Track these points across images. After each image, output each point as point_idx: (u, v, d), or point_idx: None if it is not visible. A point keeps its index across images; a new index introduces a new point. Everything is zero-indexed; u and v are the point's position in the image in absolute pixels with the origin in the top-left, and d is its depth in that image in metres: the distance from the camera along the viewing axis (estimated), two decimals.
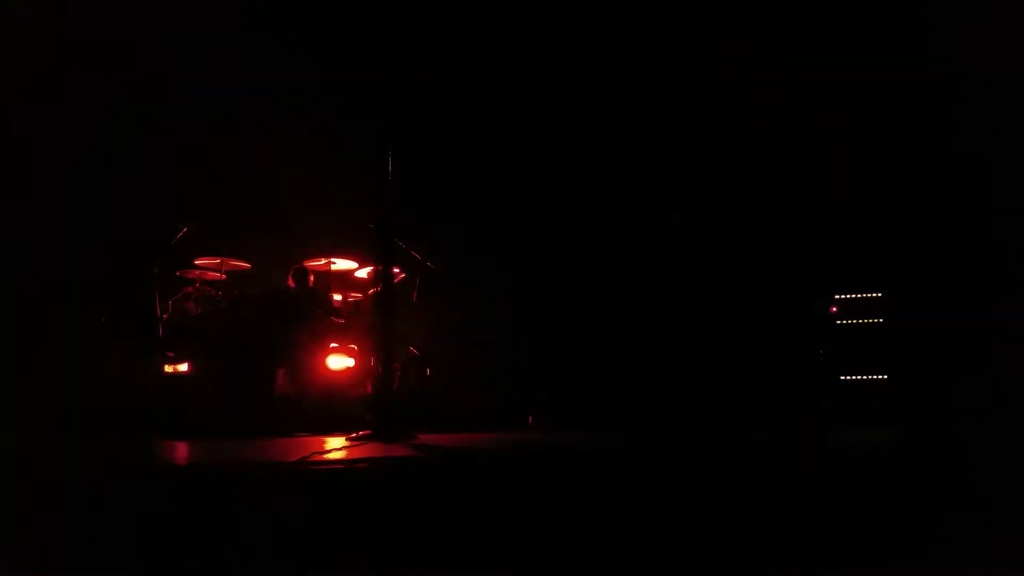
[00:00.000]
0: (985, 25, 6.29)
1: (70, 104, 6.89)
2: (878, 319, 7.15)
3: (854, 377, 7.09)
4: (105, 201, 6.93)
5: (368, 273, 6.40)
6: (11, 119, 6.89)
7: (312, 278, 6.31)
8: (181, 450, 3.43)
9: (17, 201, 6.93)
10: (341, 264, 6.38)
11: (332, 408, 5.55)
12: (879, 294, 7.19)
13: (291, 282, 6.26)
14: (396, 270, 5.61)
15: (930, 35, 6.68)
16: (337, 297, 6.37)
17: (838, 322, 7.21)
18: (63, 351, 6.68)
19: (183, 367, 5.93)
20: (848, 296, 7.24)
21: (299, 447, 3.49)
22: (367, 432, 3.86)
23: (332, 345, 6.00)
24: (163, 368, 5.98)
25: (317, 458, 2.58)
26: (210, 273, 6.35)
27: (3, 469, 2.28)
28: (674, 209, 7.47)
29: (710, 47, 7.14)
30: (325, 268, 6.36)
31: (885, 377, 7.01)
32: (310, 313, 6.04)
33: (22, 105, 6.90)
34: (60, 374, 6.59)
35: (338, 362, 5.97)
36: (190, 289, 6.27)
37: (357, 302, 6.43)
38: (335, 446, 3.39)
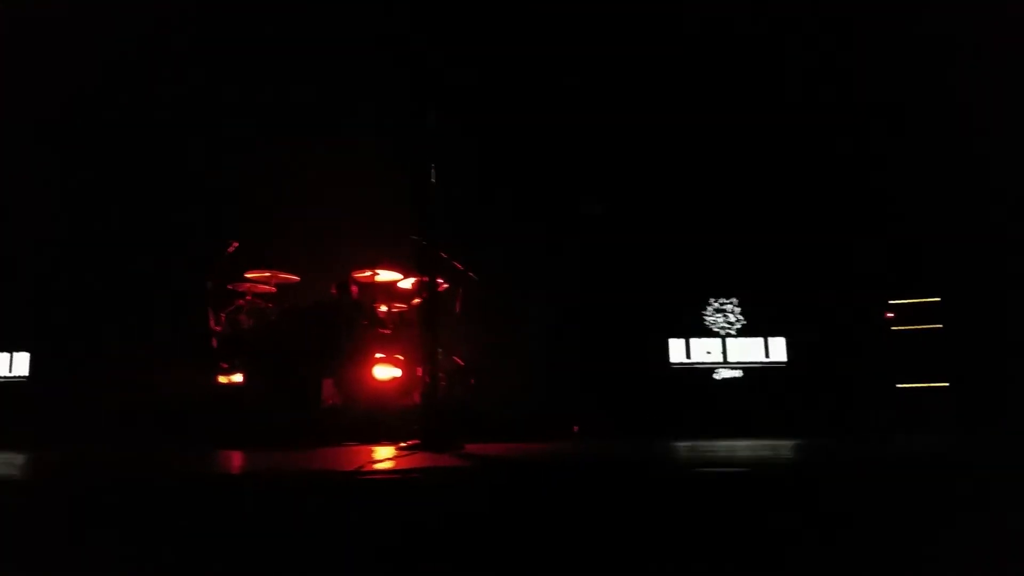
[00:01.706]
0: None
1: (129, 120, 7.15)
2: (936, 325, 6.95)
3: (912, 385, 6.90)
4: (158, 217, 7.17)
5: (412, 284, 6.45)
6: (71, 132, 7.19)
7: (356, 289, 6.39)
8: (236, 459, 3.50)
9: (77, 216, 7.23)
10: (385, 275, 6.46)
11: (379, 418, 5.61)
12: (937, 299, 6.99)
13: (335, 293, 6.35)
14: (440, 280, 5.66)
15: (994, 33, 6.51)
16: (382, 308, 6.44)
17: (894, 328, 7.02)
18: (121, 362, 6.92)
19: (236, 378, 6.07)
20: (905, 301, 7.05)
21: (349, 456, 3.53)
22: (415, 442, 3.89)
23: (378, 355, 6.07)
24: (217, 379, 6.12)
25: (369, 468, 2.61)
26: (261, 286, 6.48)
27: (60, 474, 2.36)
28: (722, 217, 7.42)
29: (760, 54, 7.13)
30: (370, 280, 6.44)
31: (946, 384, 6.80)
32: (356, 324, 6.12)
33: (83, 121, 7.19)
34: (117, 385, 6.82)
35: (384, 372, 6.03)
36: (242, 302, 6.41)
37: (402, 313, 6.49)
38: (385, 456, 3.42)
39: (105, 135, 7.25)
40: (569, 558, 1.84)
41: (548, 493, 2.01)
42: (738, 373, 7.67)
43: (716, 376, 7.64)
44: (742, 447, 3.73)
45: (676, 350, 7.80)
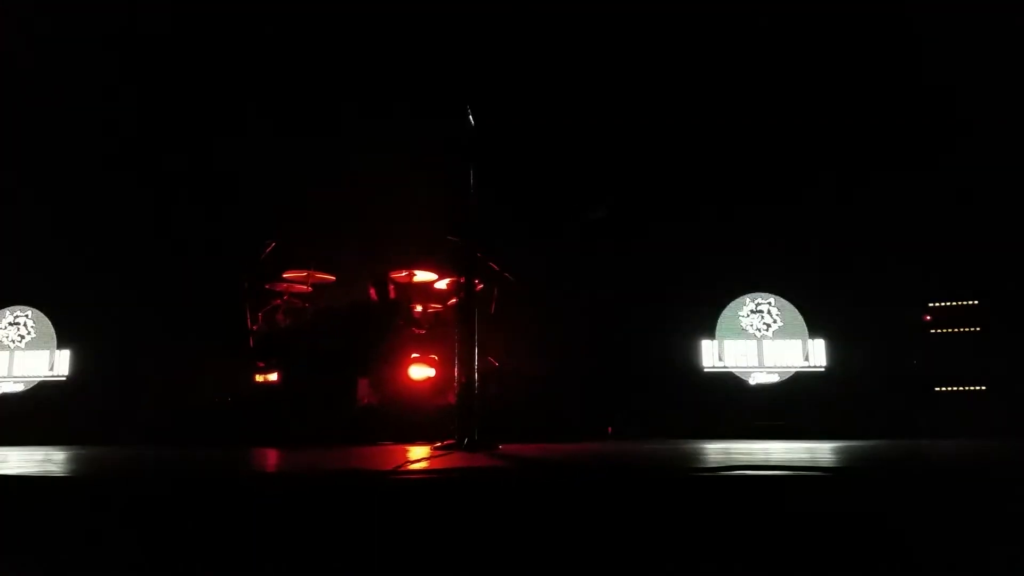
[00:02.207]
0: None
1: (169, 123, 7.30)
2: (975, 327, 6.82)
3: (951, 388, 6.79)
4: (197, 217, 7.31)
5: (448, 284, 6.49)
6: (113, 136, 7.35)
7: (392, 289, 6.45)
8: (272, 457, 3.56)
9: (115, 216, 7.37)
10: (422, 275, 6.50)
11: (414, 417, 5.66)
12: (975, 302, 6.85)
13: (372, 293, 6.41)
14: (476, 281, 5.69)
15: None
16: (418, 308, 6.49)
17: (932, 331, 6.91)
18: (159, 362, 7.07)
19: (273, 377, 6.16)
20: (943, 304, 6.93)
21: (384, 456, 3.57)
22: (451, 441, 3.92)
23: (413, 355, 6.12)
24: (254, 378, 6.22)
25: (405, 467, 2.64)
26: (297, 286, 6.57)
27: (102, 475, 2.42)
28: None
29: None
30: (407, 280, 6.50)
31: (983, 388, 6.67)
32: (392, 324, 6.18)
33: (122, 126, 7.35)
34: (155, 384, 6.97)
35: (419, 372, 6.08)
36: (278, 302, 6.50)
37: (437, 313, 6.53)
38: (421, 455, 3.45)
39: (144, 133, 7.41)
40: (603, 559, 1.85)
41: (582, 494, 2.02)
42: (775, 378, 7.57)
43: (751, 382, 7.56)
44: (777, 449, 3.71)
45: (708, 353, 7.67)
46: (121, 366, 7.15)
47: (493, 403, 5.76)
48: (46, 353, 7.29)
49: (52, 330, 7.34)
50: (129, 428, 6.07)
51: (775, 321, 7.66)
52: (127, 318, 7.19)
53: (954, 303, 6.93)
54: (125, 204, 7.35)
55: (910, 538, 1.86)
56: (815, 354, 7.58)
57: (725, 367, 7.58)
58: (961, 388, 6.77)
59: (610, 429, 6.31)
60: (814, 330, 7.57)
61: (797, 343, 7.58)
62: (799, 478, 2.07)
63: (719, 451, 3.59)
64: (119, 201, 7.36)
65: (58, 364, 7.28)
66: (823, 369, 7.43)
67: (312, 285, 6.62)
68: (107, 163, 7.35)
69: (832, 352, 7.42)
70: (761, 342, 7.57)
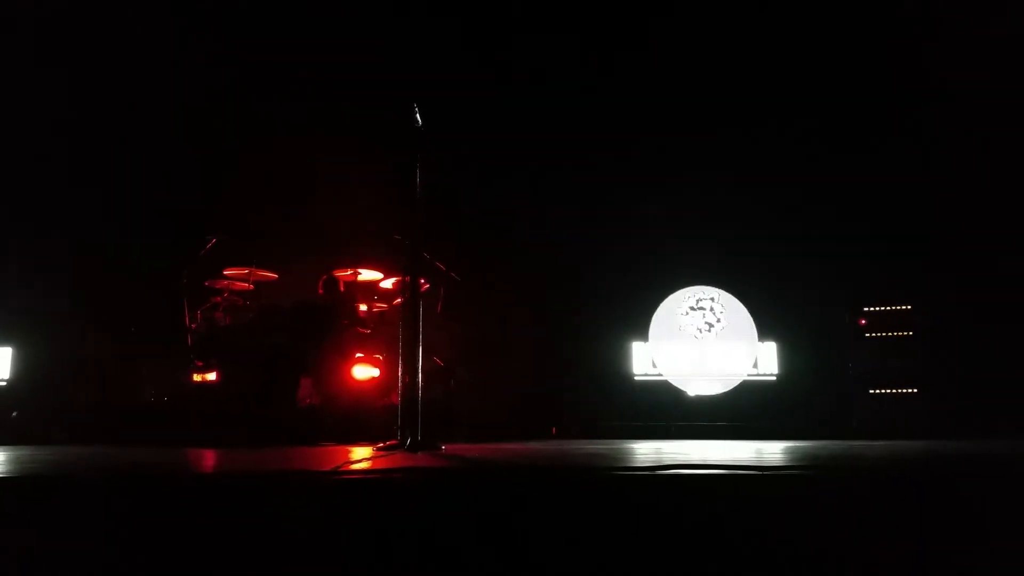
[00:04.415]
0: None
1: (103, 113, 7.04)
2: (907, 332, 7.02)
3: (883, 391, 6.96)
4: (135, 211, 7.07)
5: (393, 283, 6.43)
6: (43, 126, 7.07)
7: (342, 285, 6.35)
8: (209, 458, 3.46)
9: (51, 210, 7.10)
10: (367, 274, 6.42)
11: (357, 418, 5.57)
12: (908, 307, 7.07)
13: (321, 291, 6.30)
14: (421, 280, 5.65)
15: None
16: (363, 307, 6.40)
17: (867, 335, 7.08)
18: (93, 359, 6.81)
19: (211, 376, 6.00)
20: (877, 308, 7.11)
21: (325, 456, 3.51)
22: (394, 442, 3.87)
23: (358, 355, 6.03)
24: (191, 377, 6.04)
25: (346, 467, 2.59)
26: (238, 283, 6.41)
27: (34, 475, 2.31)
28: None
29: None
30: (352, 279, 6.40)
31: (915, 391, 6.88)
32: (336, 323, 6.08)
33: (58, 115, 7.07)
34: (90, 382, 6.71)
35: (363, 372, 5.99)
36: (218, 299, 6.33)
37: (382, 312, 6.45)
38: (363, 456, 3.40)
39: (81, 125, 7.13)
40: (548, 560, 1.84)
41: (528, 494, 2.01)
42: (717, 388, 6.98)
43: (690, 392, 7.03)
44: (713, 449, 3.77)
45: (640, 358, 6.97)
46: (55, 365, 6.87)
47: (438, 403, 5.73)
48: None
49: None
50: (63, 428, 5.83)
51: (718, 320, 7.19)
52: (61, 317, 6.93)
53: (888, 308, 7.13)
54: (60, 201, 7.08)
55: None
56: (766, 360, 7.03)
57: (660, 375, 7.10)
58: (894, 391, 6.96)
59: (554, 430, 6.33)
60: (764, 332, 7.15)
61: (744, 347, 7.02)
62: (725, 477, 2.10)
63: (651, 451, 3.66)
64: (54, 198, 7.08)
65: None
66: (774, 378, 7.06)
67: (254, 283, 6.47)
68: (41, 157, 7.06)
69: (784, 358, 7.08)
70: (702, 345, 7.00)
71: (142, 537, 1.87)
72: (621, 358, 7.14)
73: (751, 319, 7.23)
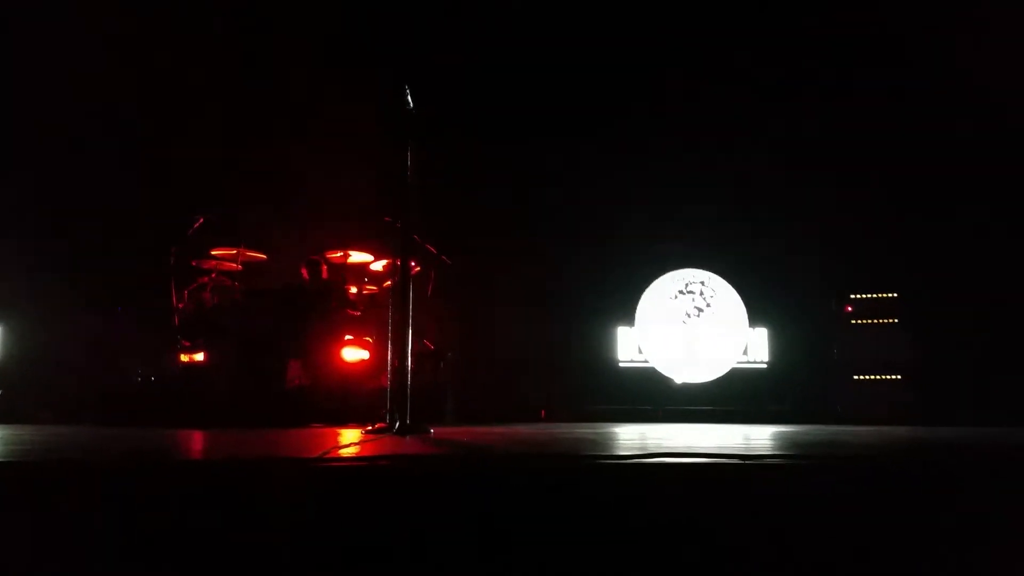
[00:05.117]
0: None
1: (93, 92, 6.94)
2: (893, 319, 7.10)
3: (868, 377, 7.05)
4: (123, 190, 7.01)
5: (383, 266, 6.42)
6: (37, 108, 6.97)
7: (325, 269, 6.33)
8: (193, 441, 3.46)
9: (38, 188, 7.02)
10: (357, 257, 6.40)
11: (346, 400, 5.59)
12: (894, 294, 7.14)
13: (304, 273, 6.29)
14: (412, 263, 5.64)
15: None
16: (352, 290, 6.39)
17: (853, 322, 7.15)
18: (82, 339, 6.77)
19: (199, 357, 5.98)
20: (863, 296, 7.18)
21: (314, 439, 3.51)
22: (382, 425, 3.88)
23: (347, 337, 6.03)
24: (179, 358, 6.02)
25: (334, 453, 2.60)
26: (226, 264, 6.38)
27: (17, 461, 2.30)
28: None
29: None
30: (342, 260, 6.39)
31: (899, 377, 6.97)
32: (325, 305, 6.07)
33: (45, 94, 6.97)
34: (76, 362, 6.68)
35: (353, 354, 6.00)
36: (206, 279, 6.30)
37: (372, 295, 6.45)
38: (351, 440, 3.41)
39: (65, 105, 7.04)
40: (540, 546, 1.85)
41: (517, 479, 2.02)
42: (706, 375, 6.86)
43: (677, 380, 6.92)
44: (698, 435, 3.81)
45: (626, 344, 6.82)
46: (40, 344, 6.83)
47: (427, 387, 5.75)
48: None
49: None
50: (48, 407, 5.81)
51: (708, 305, 7.09)
52: (48, 295, 6.87)
53: (874, 295, 7.19)
54: (46, 177, 6.99)
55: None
56: (756, 347, 6.90)
57: (646, 362, 6.98)
58: (878, 377, 7.05)
59: (543, 413, 6.37)
60: (756, 318, 7.04)
61: (734, 333, 6.87)
62: (706, 466, 2.12)
63: (636, 436, 3.70)
64: (40, 174, 6.99)
65: None
66: (765, 365, 6.98)
67: (242, 263, 6.44)
68: (25, 134, 6.97)
69: (775, 344, 6.99)
70: (690, 330, 6.87)
71: (106, 524, 1.84)
72: (606, 344, 7.09)
73: (742, 304, 7.19)
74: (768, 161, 7.03)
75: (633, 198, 7.21)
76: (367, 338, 6.07)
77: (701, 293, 7.12)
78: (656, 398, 6.93)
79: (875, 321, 7.15)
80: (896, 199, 7.03)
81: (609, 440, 3.37)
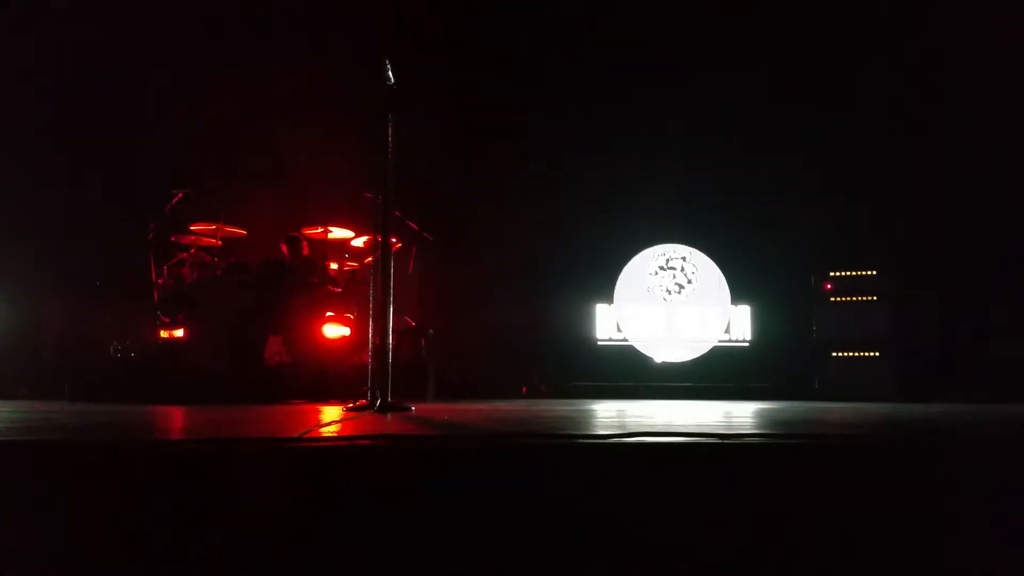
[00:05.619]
0: None
1: (65, 72, 6.80)
2: (872, 296, 7.16)
3: (846, 354, 7.11)
4: (101, 166, 6.89)
5: (364, 242, 6.37)
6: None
7: (306, 245, 6.28)
8: (171, 417, 3.43)
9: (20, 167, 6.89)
10: (338, 233, 6.35)
11: (327, 376, 5.57)
12: (873, 272, 7.19)
13: (284, 249, 6.23)
14: (393, 240, 5.60)
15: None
16: (333, 266, 6.35)
17: (832, 299, 7.21)
18: (60, 314, 6.69)
19: (178, 333, 5.93)
20: (843, 273, 7.23)
21: (294, 416, 3.50)
22: (363, 402, 3.88)
23: (328, 314, 6.00)
24: (158, 333, 5.97)
25: (315, 432, 2.59)
26: (206, 239, 6.30)
27: None
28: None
29: None
30: (322, 236, 6.33)
31: (877, 354, 7.05)
32: (305, 281, 6.03)
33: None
34: (54, 338, 6.61)
35: (334, 331, 5.97)
36: (185, 255, 6.23)
37: (353, 271, 6.41)
38: (332, 416, 3.40)
39: (47, 75, 6.88)
40: (523, 527, 1.86)
41: (499, 455, 2.02)
42: (687, 354, 6.85)
43: (657, 359, 6.90)
44: (677, 412, 3.85)
45: (604, 321, 6.75)
46: (20, 321, 6.74)
47: (409, 363, 5.74)
48: None
49: None
50: (24, 383, 5.75)
51: (690, 282, 7.04)
52: (24, 270, 6.77)
53: (853, 272, 7.24)
54: (21, 151, 6.85)
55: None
56: (739, 324, 6.82)
57: (625, 340, 6.89)
58: (856, 354, 7.12)
59: (524, 389, 6.39)
60: (739, 295, 6.96)
61: (717, 311, 6.80)
62: (686, 445, 2.13)
63: (615, 413, 3.72)
64: (15, 148, 6.85)
65: None
66: (747, 344, 6.91)
67: (222, 239, 6.37)
68: (5, 110, 6.81)
69: (758, 322, 6.93)
70: (671, 308, 6.82)
71: (70, 509, 1.81)
72: (585, 322, 7.03)
73: (724, 280, 7.17)
74: (750, 138, 7.02)
75: (614, 173, 7.17)
76: (348, 315, 6.04)
77: (682, 269, 7.07)
78: (637, 376, 6.95)
79: (854, 299, 7.21)
80: (875, 178, 7.06)
81: (588, 418, 3.39)
